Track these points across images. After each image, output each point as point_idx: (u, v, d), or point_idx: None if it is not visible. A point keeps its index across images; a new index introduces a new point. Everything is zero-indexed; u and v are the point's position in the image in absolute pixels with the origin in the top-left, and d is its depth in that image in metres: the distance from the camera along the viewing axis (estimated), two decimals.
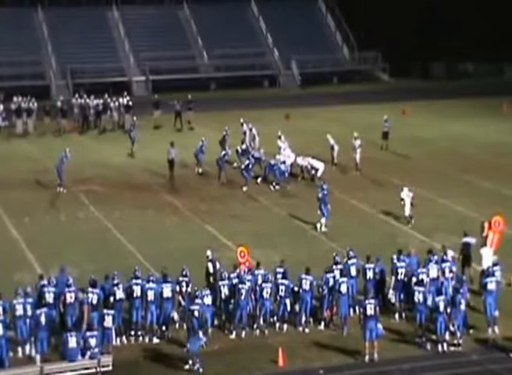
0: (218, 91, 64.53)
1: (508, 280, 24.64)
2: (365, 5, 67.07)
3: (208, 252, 24.82)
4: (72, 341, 20.57)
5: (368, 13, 66.28)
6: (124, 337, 22.71)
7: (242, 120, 43.97)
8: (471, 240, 26.44)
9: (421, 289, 22.70)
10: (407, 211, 32.26)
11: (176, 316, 23.18)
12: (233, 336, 22.90)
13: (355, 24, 68.37)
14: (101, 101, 50.73)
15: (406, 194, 32.60)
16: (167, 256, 27.64)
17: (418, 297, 22.56)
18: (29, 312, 21.73)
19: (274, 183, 37.23)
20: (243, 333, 22.97)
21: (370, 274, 24.04)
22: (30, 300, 22.03)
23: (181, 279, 23.55)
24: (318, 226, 31.65)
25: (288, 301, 23.42)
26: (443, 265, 24.29)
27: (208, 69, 67.58)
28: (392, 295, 24.18)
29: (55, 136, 48.69)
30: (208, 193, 36.75)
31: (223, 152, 39.17)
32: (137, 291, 22.79)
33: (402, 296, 23.95)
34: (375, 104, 56.71)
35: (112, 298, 22.59)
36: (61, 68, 64.25)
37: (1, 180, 38.84)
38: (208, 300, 22.93)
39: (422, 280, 23.21)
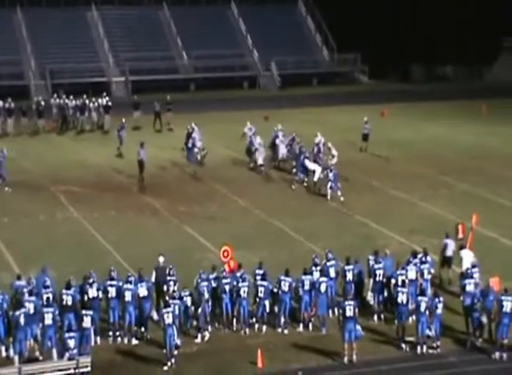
0: (198, 91, 64.54)
1: (486, 282, 24.74)
2: (345, 8, 67.28)
3: (160, 259, 24.36)
4: None
5: (347, 16, 66.49)
6: (101, 338, 22.70)
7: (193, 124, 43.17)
8: (452, 241, 26.61)
9: (405, 290, 22.80)
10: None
11: (155, 315, 23.18)
12: (198, 340, 22.80)
13: (335, 26, 68.56)
14: (80, 101, 50.58)
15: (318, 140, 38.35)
16: (146, 257, 27.48)
17: (402, 298, 22.66)
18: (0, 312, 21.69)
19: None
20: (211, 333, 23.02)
21: (349, 276, 24.09)
22: (6, 297, 22.02)
23: (168, 278, 23.55)
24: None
25: (267, 303, 23.47)
26: (422, 266, 24.41)
27: (187, 70, 67.53)
28: (370, 297, 24.27)
29: (31, 136, 48.54)
30: (186, 194, 36.71)
31: (189, 145, 39.79)
32: (112, 291, 22.80)
33: (380, 298, 24.05)
34: (354, 106, 56.88)
35: (85, 297, 22.62)
36: (40, 68, 64.01)
37: None
38: (188, 301, 22.94)
39: (404, 281, 23.30)
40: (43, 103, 50.09)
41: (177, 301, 22.32)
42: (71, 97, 51.04)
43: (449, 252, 26.37)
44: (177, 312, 22.13)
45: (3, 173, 37.39)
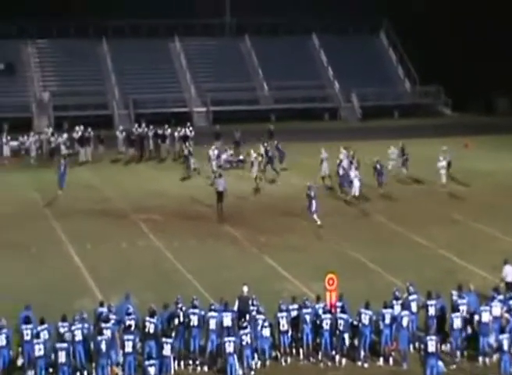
0: (278, 122, 64.53)
1: None
2: (427, 39, 66.82)
3: (244, 288, 24.38)
4: None
5: (430, 47, 66.00)
6: (183, 366, 22.79)
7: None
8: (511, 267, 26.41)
9: (458, 314, 22.67)
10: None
11: None
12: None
13: (417, 58, 68.12)
14: (161, 131, 51.32)
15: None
16: (226, 286, 27.54)
17: (457, 323, 22.50)
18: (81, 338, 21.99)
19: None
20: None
21: (432, 311, 23.69)
22: (86, 325, 22.31)
23: (251, 308, 23.54)
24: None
25: (347, 336, 23.23)
26: (510, 302, 23.86)
27: (268, 101, 67.86)
28: None
29: (117, 163, 49.40)
30: (265, 224, 36.69)
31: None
32: (195, 320, 22.87)
33: (463, 334, 23.56)
34: (437, 138, 56.15)
35: (176, 321, 22.76)
36: (123, 98, 65.17)
37: (64, 208, 39.34)
38: (267, 331, 22.89)
39: (458, 306, 23.14)
40: (118, 134, 51.34)
41: (247, 331, 22.24)
42: (151, 126, 51.84)
43: (510, 278, 26.18)
44: (248, 341, 22.02)
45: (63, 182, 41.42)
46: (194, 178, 44.74)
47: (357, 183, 39.36)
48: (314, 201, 35.63)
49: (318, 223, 35.41)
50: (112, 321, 22.48)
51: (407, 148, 45.34)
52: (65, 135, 51.48)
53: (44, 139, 51.13)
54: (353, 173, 39.90)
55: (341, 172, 41.07)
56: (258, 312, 23.22)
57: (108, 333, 21.92)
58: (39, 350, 21.52)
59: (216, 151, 45.86)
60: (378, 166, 41.55)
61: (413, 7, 69.08)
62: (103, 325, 22.17)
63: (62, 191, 41.50)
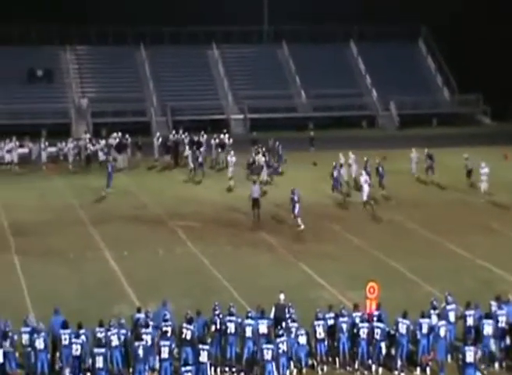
0: (316, 130, 64.36)
1: None
2: (466, 47, 66.36)
3: (281, 296, 24.31)
4: None
5: (469, 55, 65.54)
6: (219, 373, 22.82)
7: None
8: None
9: (490, 322, 22.55)
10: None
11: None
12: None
13: (456, 66, 67.68)
14: (197, 137, 51.50)
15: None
16: (262, 293, 27.49)
17: (487, 330, 22.37)
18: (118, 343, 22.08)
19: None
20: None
21: (470, 321, 23.48)
22: (123, 331, 22.40)
23: (287, 316, 23.46)
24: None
25: (383, 345, 23.09)
26: None
27: (305, 109, 67.81)
28: (492, 344, 23.56)
29: (153, 170, 49.56)
30: (300, 231, 36.61)
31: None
32: (231, 327, 22.85)
33: (502, 344, 23.33)
34: (475, 147, 55.62)
35: (213, 327, 22.82)
36: (161, 105, 65.50)
37: (102, 214, 39.59)
38: (303, 339, 22.83)
39: (497, 316, 23.03)
40: (156, 140, 51.75)
41: (283, 339, 22.21)
42: (186, 133, 52.03)
43: None
44: (284, 348, 22.00)
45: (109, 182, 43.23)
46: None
47: (366, 189, 39.39)
48: (297, 205, 36.10)
49: (301, 227, 36.14)
50: (150, 327, 22.59)
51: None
52: (102, 141, 51.83)
53: (82, 145, 51.56)
54: (363, 178, 39.98)
55: (335, 174, 41.71)
56: (292, 321, 23.20)
57: (148, 338, 22.04)
58: (76, 350, 21.79)
59: (234, 158, 45.81)
60: (380, 169, 42.34)
61: (451, 14, 68.65)
62: (143, 330, 22.27)
63: (106, 192, 42.86)
